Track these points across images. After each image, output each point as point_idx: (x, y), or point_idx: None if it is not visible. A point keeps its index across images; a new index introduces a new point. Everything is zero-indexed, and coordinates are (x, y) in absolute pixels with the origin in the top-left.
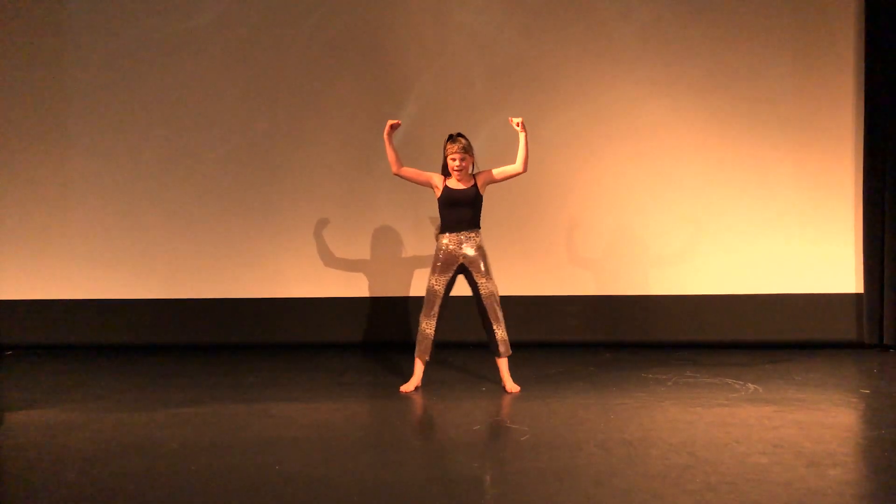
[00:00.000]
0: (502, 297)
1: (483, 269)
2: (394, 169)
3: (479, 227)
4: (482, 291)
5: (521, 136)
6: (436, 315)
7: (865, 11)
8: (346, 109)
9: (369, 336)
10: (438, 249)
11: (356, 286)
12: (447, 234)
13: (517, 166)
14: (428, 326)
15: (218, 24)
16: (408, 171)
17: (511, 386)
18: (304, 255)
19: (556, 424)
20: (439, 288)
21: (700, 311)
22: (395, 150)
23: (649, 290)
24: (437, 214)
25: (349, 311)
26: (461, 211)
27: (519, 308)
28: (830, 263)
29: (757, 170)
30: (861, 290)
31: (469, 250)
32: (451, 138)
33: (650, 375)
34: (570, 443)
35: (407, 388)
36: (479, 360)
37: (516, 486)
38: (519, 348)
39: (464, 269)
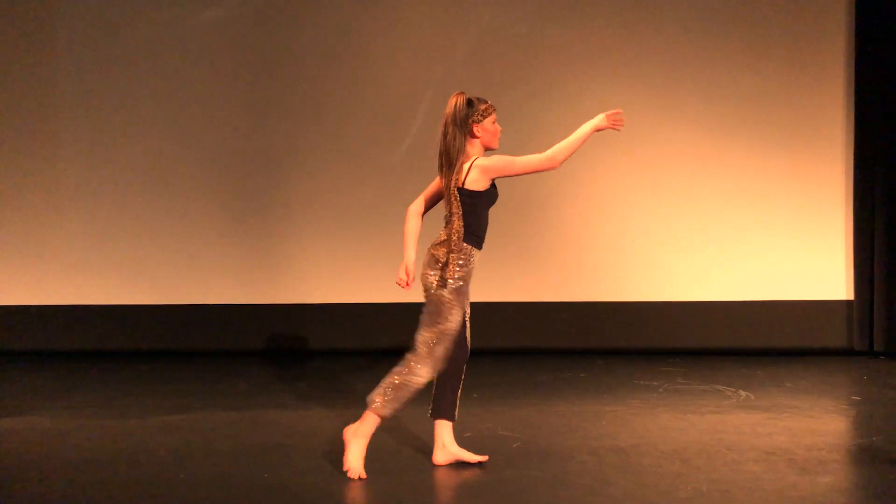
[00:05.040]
0: (494, 304)
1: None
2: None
3: None
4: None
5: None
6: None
7: (856, 17)
8: (345, 115)
9: (363, 343)
10: (467, 271)
11: (350, 292)
12: (477, 250)
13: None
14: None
15: (216, 25)
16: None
17: (468, 455)
18: (296, 262)
19: (548, 432)
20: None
21: (691, 318)
22: (413, 236)
23: (640, 297)
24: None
25: (342, 318)
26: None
27: (511, 314)
28: (821, 270)
29: (748, 177)
30: (852, 297)
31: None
32: (484, 101)
33: (642, 382)
34: (561, 450)
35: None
36: (470, 368)
37: (508, 495)
38: (511, 355)
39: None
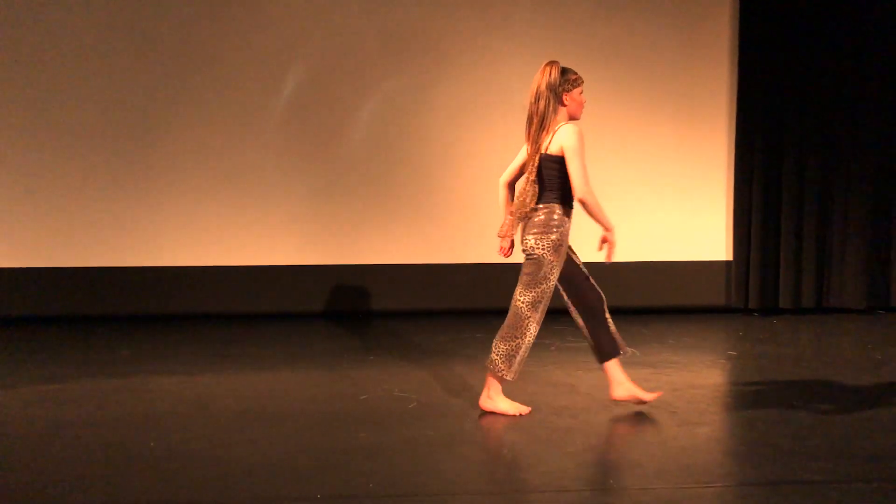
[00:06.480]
0: (392, 266)
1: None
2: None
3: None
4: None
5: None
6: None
7: None
8: (230, 67)
9: (253, 306)
10: (564, 231)
11: (239, 254)
12: (570, 209)
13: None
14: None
15: None
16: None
17: (641, 392)
18: (183, 222)
19: (444, 392)
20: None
21: None
22: (507, 206)
23: None
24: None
25: (232, 281)
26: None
27: (408, 276)
28: (703, 232)
29: (634, 141)
30: (730, 257)
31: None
32: (574, 73)
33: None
34: (456, 410)
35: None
36: (368, 330)
37: (404, 454)
38: (409, 317)
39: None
